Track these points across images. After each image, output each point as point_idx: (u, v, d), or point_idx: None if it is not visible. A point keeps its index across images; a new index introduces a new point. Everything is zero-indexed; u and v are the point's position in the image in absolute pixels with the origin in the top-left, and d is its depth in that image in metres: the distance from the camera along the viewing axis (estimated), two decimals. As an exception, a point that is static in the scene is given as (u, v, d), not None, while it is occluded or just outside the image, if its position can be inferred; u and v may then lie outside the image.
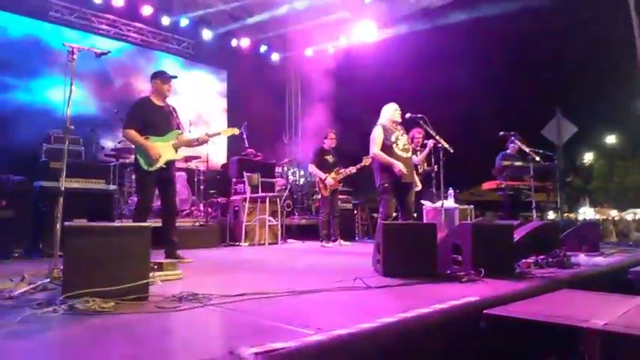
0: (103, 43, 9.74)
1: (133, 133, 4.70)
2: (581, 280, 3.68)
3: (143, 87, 9.45)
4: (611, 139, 26.23)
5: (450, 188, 7.57)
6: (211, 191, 9.23)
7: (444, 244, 3.90)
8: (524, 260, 4.07)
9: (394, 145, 5.30)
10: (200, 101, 11.93)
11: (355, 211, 9.59)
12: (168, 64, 11.06)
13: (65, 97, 3.55)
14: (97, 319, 2.23)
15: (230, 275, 4.13)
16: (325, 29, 11.70)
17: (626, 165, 25.17)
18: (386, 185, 5.25)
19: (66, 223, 2.72)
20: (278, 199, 8.12)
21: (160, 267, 3.39)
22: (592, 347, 2.10)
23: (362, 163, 7.07)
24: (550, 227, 5.32)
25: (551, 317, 2.32)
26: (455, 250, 3.78)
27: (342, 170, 7.45)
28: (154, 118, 4.83)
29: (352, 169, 7.38)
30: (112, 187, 6.40)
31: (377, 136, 5.36)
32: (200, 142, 5.15)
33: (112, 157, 7.80)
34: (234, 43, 12.31)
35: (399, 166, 5.13)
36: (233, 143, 10.07)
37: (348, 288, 3.05)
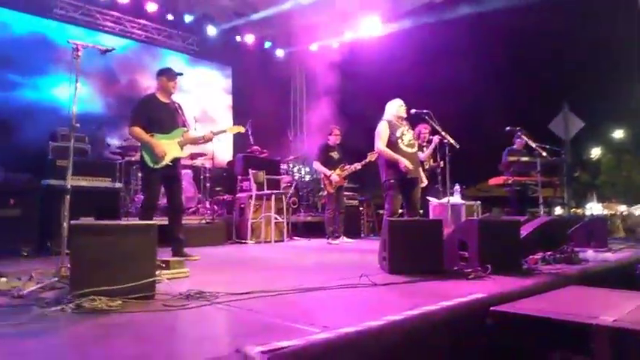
0: (108, 40, 9.77)
1: (138, 130, 4.69)
2: (590, 276, 3.67)
3: (148, 84, 9.44)
4: (618, 134, 26.05)
5: (456, 184, 7.53)
6: (217, 189, 9.25)
7: (450, 241, 3.88)
8: (531, 256, 4.05)
9: (399, 141, 5.27)
10: (205, 98, 11.94)
11: (361, 208, 9.58)
12: (173, 60, 11.08)
13: (71, 94, 3.54)
14: (105, 318, 2.24)
15: (236, 273, 4.13)
16: (330, 24, 11.66)
17: (634, 159, 24.98)
18: (391, 181, 5.23)
19: (72, 222, 2.73)
20: (284, 196, 8.13)
21: (167, 265, 3.39)
22: (601, 344, 2.09)
23: (367, 159, 7.05)
24: (557, 223, 5.29)
25: (559, 314, 2.30)
26: (461, 246, 3.76)
27: (347, 167, 7.43)
28: (159, 115, 4.83)
29: (357, 166, 7.36)
30: (118, 185, 6.42)
31: (382, 131, 5.33)
32: (205, 139, 5.16)
33: (118, 155, 7.83)
34: (238, 39, 12.30)
35: (405, 162, 5.11)
36: (238, 140, 10.08)
37: (354, 285, 3.04)
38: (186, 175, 8.42)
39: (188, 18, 11.33)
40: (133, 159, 7.60)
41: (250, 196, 7.70)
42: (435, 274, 3.48)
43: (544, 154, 6.97)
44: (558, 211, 9.18)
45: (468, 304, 2.51)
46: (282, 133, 11.49)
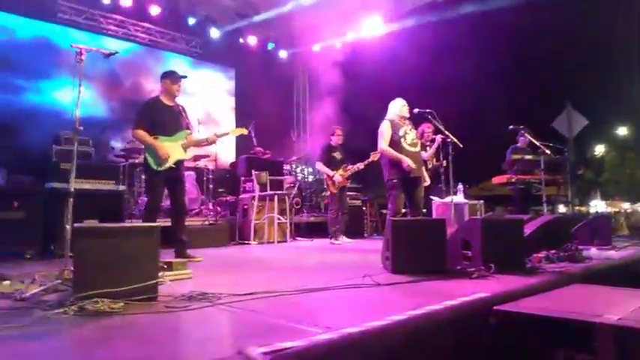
0: (111, 44, 9.80)
1: (142, 133, 4.71)
2: (594, 275, 3.65)
3: (152, 87, 9.48)
4: (622, 131, 25.93)
5: (459, 183, 7.52)
6: (220, 190, 9.25)
7: (453, 240, 3.87)
8: (535, 255, 4.04)
9: (402, 140, 5.26)
10: (208, 100, 11.96)
11: (364, 208, 9.57)
12: (177, 63, 11.10)
13: (74, 98, 3.55)
14: (107, 320, 2.24)
15: (239, 274, 4.13)
16: (332, 25, 11.66)
17: (637, 157, 24.86)
18: (394, 181, 5.22)
19: (75, 225, 2.74)
20: (287, 197, 8.13)
21: (170, 266, 3.40)
22: (605, 342, 2.08)
23: (370, 159, 7.04)
24: (561, 221, 5.28)
25: (563, 313, 2.29)
26: (465, 245, 3.75)
27: (350, 167, 7.42)
28: (163, 117, 4.85)
29: (360, 166, 7.35)
30: (122, 187, 6.43)
31: (385, 131, 5.33)
32: (209, 142, 5.18)
33: (122, 158, 7.85)
34: (241, 41, 12.32)
35: (408, 162, 5.10)
36: (242, 142, 10.08)
37: (357, 285, 3.04)
38: (190, 176, 8.43)
39: (191, 21, 11.37)
40: (136, 161, 7.62)
41: (253, 197, 7.71)
42: (439, 273, 3.47)
43: (548, 152, 6.94)
44: (562, 209, 9.15)
45: (471, 303, 2.50)
46: (285, 134, 11.49)
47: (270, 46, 13.07)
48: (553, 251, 4.16)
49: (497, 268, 3.39)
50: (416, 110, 5.63)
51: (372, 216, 9.83)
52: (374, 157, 6.81)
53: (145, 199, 5.75)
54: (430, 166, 7.00)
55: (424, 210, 5.77)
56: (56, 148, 6.90)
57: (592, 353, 2.09)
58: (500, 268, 3.40)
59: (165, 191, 5.04)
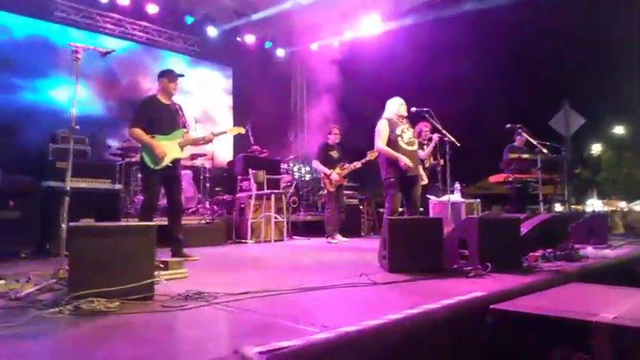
0: (109, 43, 9.76)
1: (138, 131, 4.70)
2: (590, 273, 3.66)
3: (149, 86, 9.45)
4: (619, 130, 25.98)
5: (456, 182, 7.52)
6: (217, 189, 9.24)
7: (450, 239, 3.88)
8: (531, 254, 4.05)
9: (399, 139, 5.26)
10: (206, 99, 11.93)
11: (361, 207, 9.56)
12: (174, 62, 11.07)
13: (70, 96, 3.54)
14: (103, 320, 2.24)
15: (236, 273, 4.13)
16: (330, 23, 11.65)
17: (634, 156, 24.92)
18: (391, 180, 5.22)
19: (71, 224, 2.73)
20: (283, 196, 8.12)
21: (166, 265, 3.39)
22: (601, 341, 2.08)
23: (367, 158, 7.03)
24: (557, 220, 5.28)
25: (559, 312, 2.30)
26: (461, 244, 3.76)
27: (347, 165, 7.42)
28: (160, 116, 4.84)
29: (357, 164, 7.35)
30: (118, 186, 6.41)
31: (382, 129, 5.32)
32: (206, 141, 5.18)
33: (118, 157, 7.83)
34: (239, 39, 12.29)
35: (405, 160, 5.10)
36: (239, 140, 10.06)
37: (354, 284, 3.04)
38: (186, 175, 8.42)
39: (189, 19, 11.33)
40: (133, 160, 7.60)
41: (250, 196, 7.69)
42: (435, 272, 3.48)
43: (545, 151, 6.95)
44: (558, 208, 9.16)
45: (468, 302, 2.51)
46: (283, 133, 11.48)
47: (268, 44, 13.04)
48: (549, 250, 4.17)
49: (493, 266, 3.40)
50: (413, 109, 5.63)
51: (369, 215, 9.83)
52: (371, 155, 6.80)
53: (142, 197, 5.74)
54: (427, 165, 7.00)
55: (421, 209, 5.77)
56: (53, 146, 6.90)
57: (588, 352, 2.10)
58: (496, 266, 3.41)
59: (162, 190, 5.03)
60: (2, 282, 3.06)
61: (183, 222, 5.23)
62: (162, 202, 5.63)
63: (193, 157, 8.34)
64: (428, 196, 7.00)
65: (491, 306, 2.47)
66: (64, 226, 3.18)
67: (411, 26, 10.77)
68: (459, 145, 5.89)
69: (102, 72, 9.73)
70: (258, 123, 9.52)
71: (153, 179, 4.79)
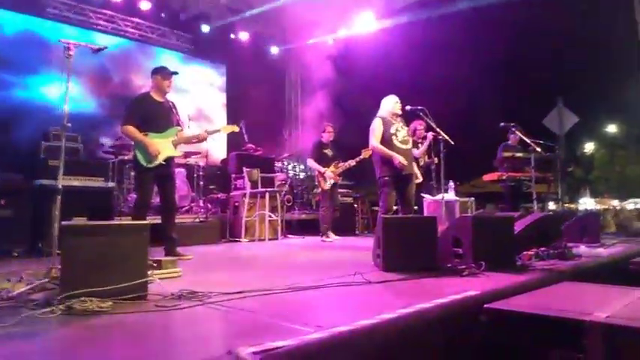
0: (101, 39, 9.69)
1: (131, 129, 4.66)
2: (583, 272, 3.68)
3: (142, 83, 9.40)
4: (612, 129, 26.16)
5: (451, 181, 7.53)
6: (211, 187, 9.21)
7: (444, 238, 3.88)
8: (525, 252, 4.05)
9: (393, 137, 5.26)
10: (199, 96, 11.89)
11: (355, 205, 9.56)
12: (168, 59, 10.99)
13: (62, 93, 3.51)
14: (95, 319, 2.22)
15: (230, 272, 4.11)
16: (324, 21, 11.63)
17: (627, 154, 25.11)
18: (386, 178, 5.22)
19: (63, 223, 2.70)
20: (278, 194, 8.10)
21: (160, 265, 3.37)
22: (594, 340, 2.09)
23: (361, 156, 7.04)
24: (551, 219, 5.30)
25: (552, 311, 2.31)
26: (455, 243, 3.76)
27: (341, 164, 7.42)
28: (153, 114, 4.80)
29: (351, 162, 7.35)
30: (111, 184, 6.38)
31: (376, 128, 5.32)
32: (199, 139, 5.15)
33: (111, 154, 7.79)
34: (233, 36, 12.23)
35: (399, 159, 5.09)
36: (233, 138, 10.01)
37: (348, 283, 3.04)
38: (180, 173, 8.37)
39: (182, 16, 11.26)
40: (126, 158, 7.55)
41: (244, 194, 7.67)
42: (430, 271, 3.48)
43: (538, 149, 6.97)
44: (552, 206, 9.21)
45: (461, 301, 2.51)
46: (277, 131, 11.44)
47: (262, 42, 12.99)
48: (543, 249, 4.18)
49: (487, 265, 3.41)
50: (408, 107, 5.62)
51: (363, 213, 9.83)
52: (365, 154, 6.80)
53: (135, 196, 5.71)
54: (422, 164, 7.00)
55: (415, 207, 5.77)
56: (45, 144, 6.85)
57: (582, 351, 2.10)
58: (490, 265, 3.42)
59: (155, 188, 5.00)
60: (-7, 281, 3.03)
61: (176, 220, 5.21)
62: (156, 200, 5.60)
63: (187, 155, 8.30)
64: (422, 194, 7.01)
65: (485, 305, 2.47)
66: (56, 224, 3.15)
67: (405, 24, 10.78)
68: (453, 143, 5.90)
69: (94, 69, 9.65)
70: (252, 121, 9.49)
71: (146, 177, 4.76)
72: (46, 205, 5.09)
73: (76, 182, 5.75)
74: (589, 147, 27.45)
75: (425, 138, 6.92)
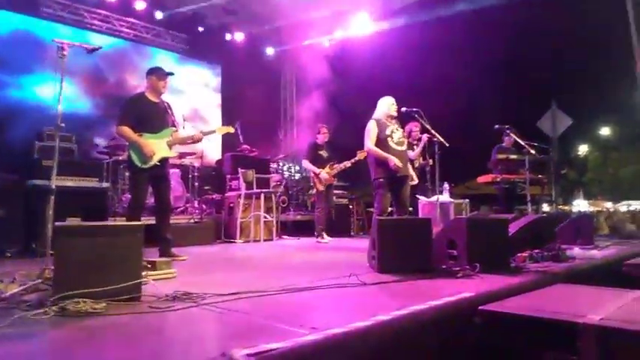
0: (96, 39, 9.66)
1: (126, 129, 4.64)
2: (577, 274, 3.69)
3: (137, 83, 9.36)
4: (605, 131, 26.31)
5: (445, 182, 7.55)
6: (206, 188, 9.19)
7: (439, 239, 3.89)
8: (519, 254, 4.07)
9: (389, 139, 5.27)
10: (195, 96, 11.86)
11: (351, 206, 9.57)
12: (163, 59, 10.96)
13: (56, 93, 3.48)
14: (89, 321, 2.21)
15: (225, 273, 4.11)
16: (320, 22, 11.61)
17: (620, 156, 25.27)
18: (381, 180, 5.23)
19: (56, 223, 2.69)
20: (273, 195, 8.09)
21: (154, 266, 3.36)
22: (588, 343, 2.10)
23: (356, 158, 7.04)
24: (545, 221, 5.33)
25: (546, 313, 2.31)
26: (450, 244, 3.77)
27: (337, 165, 7.42)
28: (148, 114, 4.78)
29: (347, 164, 7.35)
30: (105, 184, 6.35)
31: (371, 130, 5.33)
32: (195, 140, 5.14)
33: (106, 155, 7.75)
34: (228, 37, 12.21)
35: (395, 161, 5.10)
36: (228, 139, 10.01)
37: (342, 285, 3.04)
38: (175, 174, 8.34)
39: (177, 16, 11.23)
40: (120, 158, 7.52)
41: (239, 195, 7.66)
42: (424, 272, 3.48)
43: (532, 151, 7.00)
44: (546, 208, 9.24)
45: (456, 303, 2.51)
46: (273, 132, 11.43)
47: (257, 42, 12.96)
48: (537, 250, 4.20)
49: (482, 267, 3.41)
50: (403, 109, 5.64)
51: (358, 214, 9.84)
52: (360, 155, 6.81)
53: (129, 196, 5.69)
54: (417, 165, 7.02)
55: (410, 209, 5.78)
56: (38, 144, 6.82)
57: (575, 353, 2.11)
58: (485, 267, 3.42)
59: (150, 189, 4.98)
60: (-14, 282, 3.00)
61: (171, 221, 5.19)
62: (150, 201, 5.57)
63: (182, 155, 8.27)
64: (417, 196, 7.02)
65: (480, 307, 2.48)
66: (49, 225, 3.13)
67: (402, 26, 10.79)
68: (447, 145, 5.92)
69: (89, 69, 9.61)
70: (247, 121, 9.48)
71: (141, 178, 4.74)
72: (40, 206, 5.03)
73: (70, 182, 5.72)
74: (582, 149, 27.62)
75: (420, 140, 6.94)
